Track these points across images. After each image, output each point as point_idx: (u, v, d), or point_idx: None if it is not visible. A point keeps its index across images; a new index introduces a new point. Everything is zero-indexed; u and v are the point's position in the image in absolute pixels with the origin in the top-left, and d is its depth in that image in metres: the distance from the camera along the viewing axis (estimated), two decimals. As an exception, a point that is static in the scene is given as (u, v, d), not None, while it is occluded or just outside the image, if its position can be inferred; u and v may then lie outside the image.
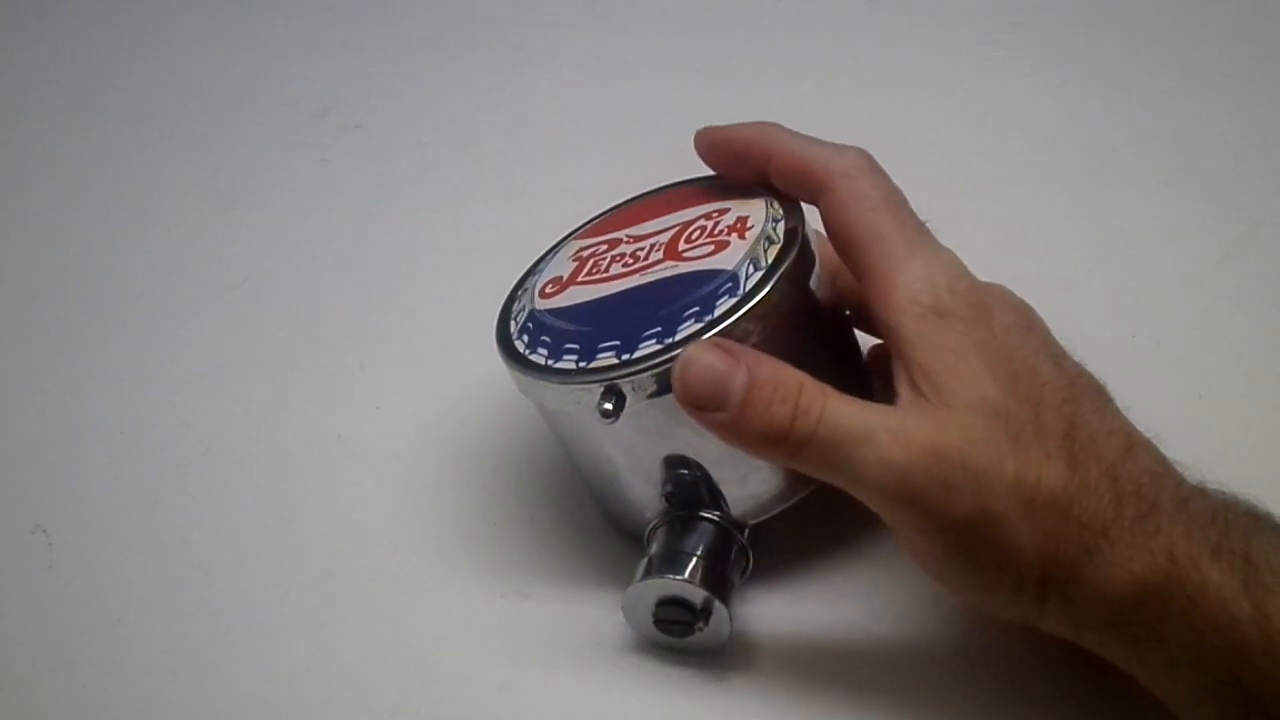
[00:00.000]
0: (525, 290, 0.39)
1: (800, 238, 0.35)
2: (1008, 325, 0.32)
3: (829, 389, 0.31)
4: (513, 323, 0.37)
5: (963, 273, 0.33)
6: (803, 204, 0.36)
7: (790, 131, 0.36)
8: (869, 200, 0.33)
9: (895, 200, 0.34)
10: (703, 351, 0.31)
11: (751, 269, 0.34)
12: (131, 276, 0.55)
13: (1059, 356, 0.33)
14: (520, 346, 0.36)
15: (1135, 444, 0.31)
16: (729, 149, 0.37)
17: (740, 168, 0.37)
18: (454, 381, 0.46)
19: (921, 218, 0.34)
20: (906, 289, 0.32)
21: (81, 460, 0.45)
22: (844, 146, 0.35)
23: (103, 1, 0.78)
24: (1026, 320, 0.33)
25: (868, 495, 0.31)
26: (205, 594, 0.40)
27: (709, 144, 0.37)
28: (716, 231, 0.36)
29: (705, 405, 0.31)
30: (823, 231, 0.35)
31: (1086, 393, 0.32)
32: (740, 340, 0.33)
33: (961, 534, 0.30)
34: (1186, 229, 0.52)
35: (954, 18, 0.68)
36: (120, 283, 0.54)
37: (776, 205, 0.36)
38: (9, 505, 0.43)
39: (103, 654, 0.38)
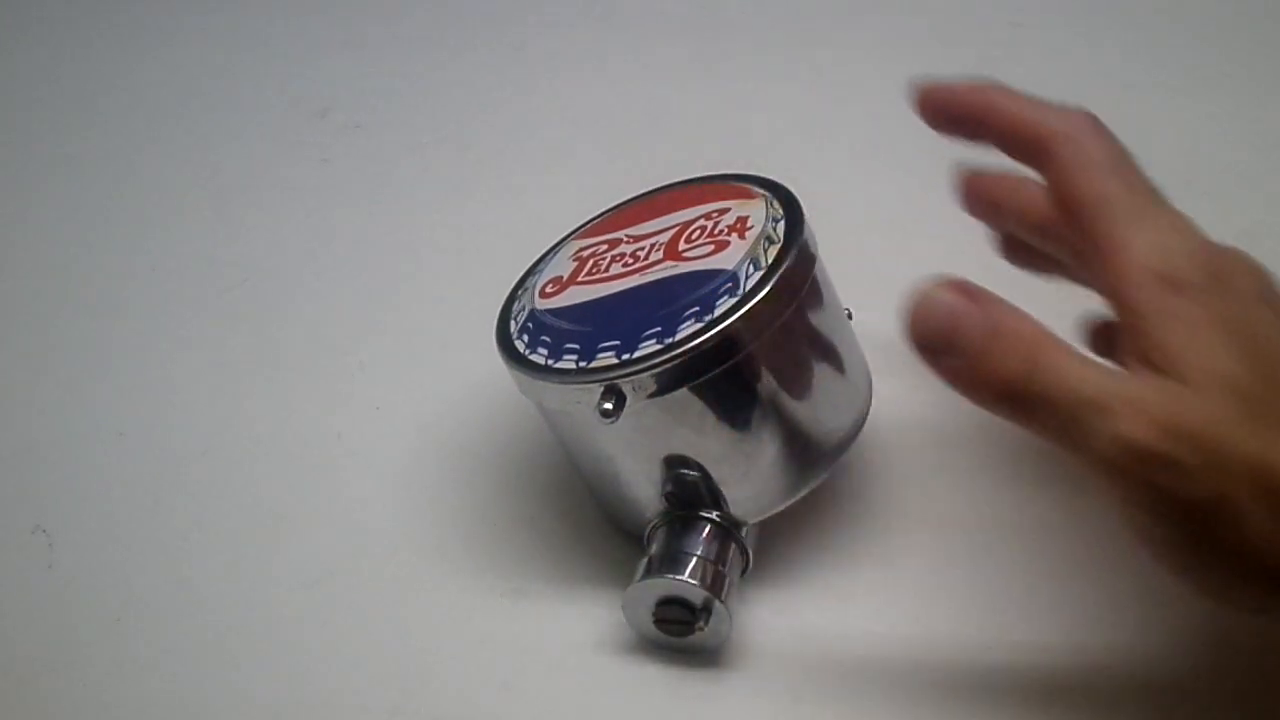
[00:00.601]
0: (525, 290, 0.39)
1: (800, 238, 0.35)
2: (1246, 294, 0.29)
3: (1066, 346, 0.29)
4: (513, 322, 0.37)
5: (1197, 237, 0.30)
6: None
7: (1010, 91, 0.34)
8: (1094, 163, 0.31)
9: (1123, 162, 0.31)
10: (944, 290, 0.29)
11: (752, 269, 0.34)
12: (131, 276, 0.55)
13: None
14: (520, 346, 0.36)
15: None
16: (944, 106, 0.34)
17: (955, 127, 0.34)
18: (454, 381, 0.46)
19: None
20: (1136, 255, 0.29)
21: (81, 460, 0.45)
22: (1067, 107, 0.33)
23: (103, 1, 0.78)
24: (1265, 288, 0.30)
25: (1094, 467, 0.28)
26: (205, 594, 0.40)
27: (924, 99, 0.34)
28: (716, 231, 0.36)
29: (937, 348, 0.28)
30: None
31: None
32: (740, 338, 0.32)
33: (1193, 518, 0.27)
34: (1186, 229, 0.51)
35: (954, 18, 0.68)
36: (120, 283, 0.54)
37: (776, 205, 0.36)
38: (9, 505, 0.43)
39: (103, 654, 0.38)
